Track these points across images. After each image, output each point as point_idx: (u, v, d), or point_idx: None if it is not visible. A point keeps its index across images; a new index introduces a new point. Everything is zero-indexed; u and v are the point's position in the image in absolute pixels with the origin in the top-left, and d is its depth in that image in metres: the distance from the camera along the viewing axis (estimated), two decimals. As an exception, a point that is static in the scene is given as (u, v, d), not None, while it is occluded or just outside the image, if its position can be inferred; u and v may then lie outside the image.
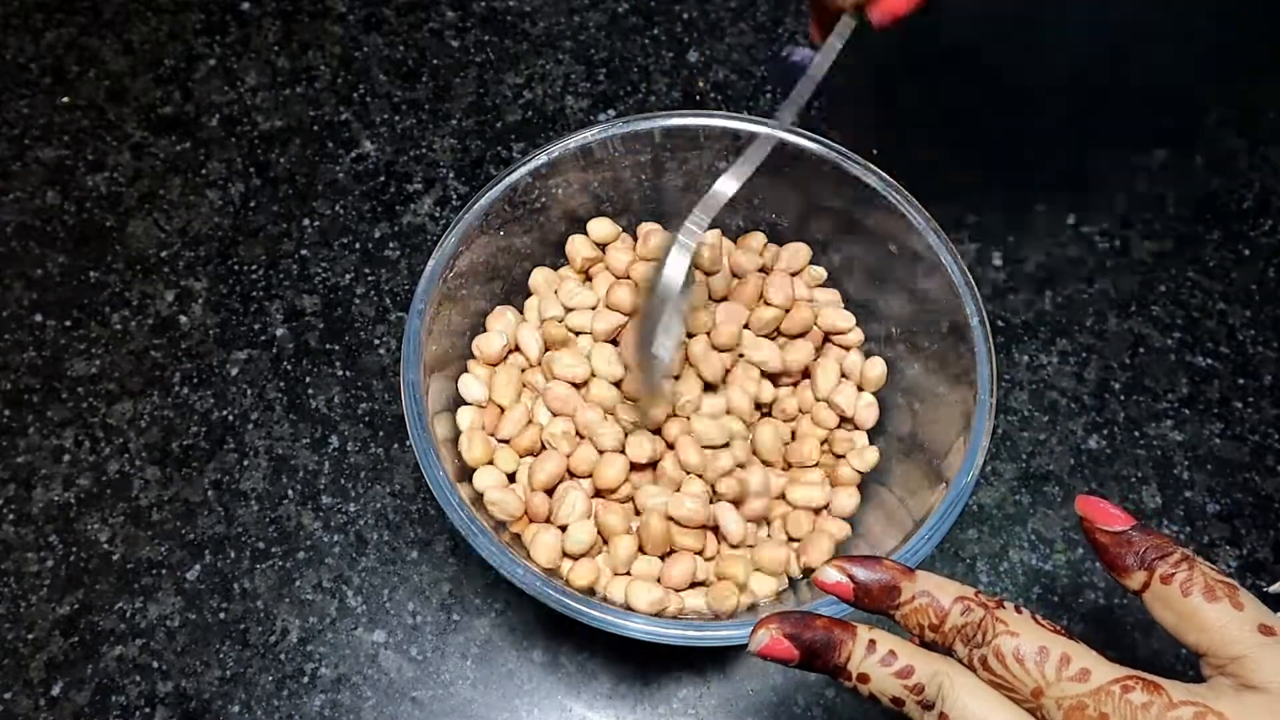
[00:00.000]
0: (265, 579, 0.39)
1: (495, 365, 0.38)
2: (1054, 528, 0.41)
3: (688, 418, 0.36)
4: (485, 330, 0.39)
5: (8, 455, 0.42)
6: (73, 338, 0.44)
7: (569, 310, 0.39)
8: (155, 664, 0.38)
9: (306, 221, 0.47)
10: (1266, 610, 0.22)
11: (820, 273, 0.40)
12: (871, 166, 0.37)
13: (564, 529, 0.34)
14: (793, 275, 0.40)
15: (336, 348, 0.44)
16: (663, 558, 0.35)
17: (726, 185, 0.33)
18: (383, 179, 0.48)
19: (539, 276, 0.40)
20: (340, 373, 0.44)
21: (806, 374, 0.39)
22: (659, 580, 0.34)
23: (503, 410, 0.37)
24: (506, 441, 0.36)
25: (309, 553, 0.40)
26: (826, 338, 0.39)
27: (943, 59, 0.51)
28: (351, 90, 0.51)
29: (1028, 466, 0.42)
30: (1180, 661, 0.37)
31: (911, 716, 0.22)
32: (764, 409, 0.39)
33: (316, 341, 0.44)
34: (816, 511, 0.37)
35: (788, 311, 0.38)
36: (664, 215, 0.42)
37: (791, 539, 0.36)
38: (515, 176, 0.37)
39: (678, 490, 0.35)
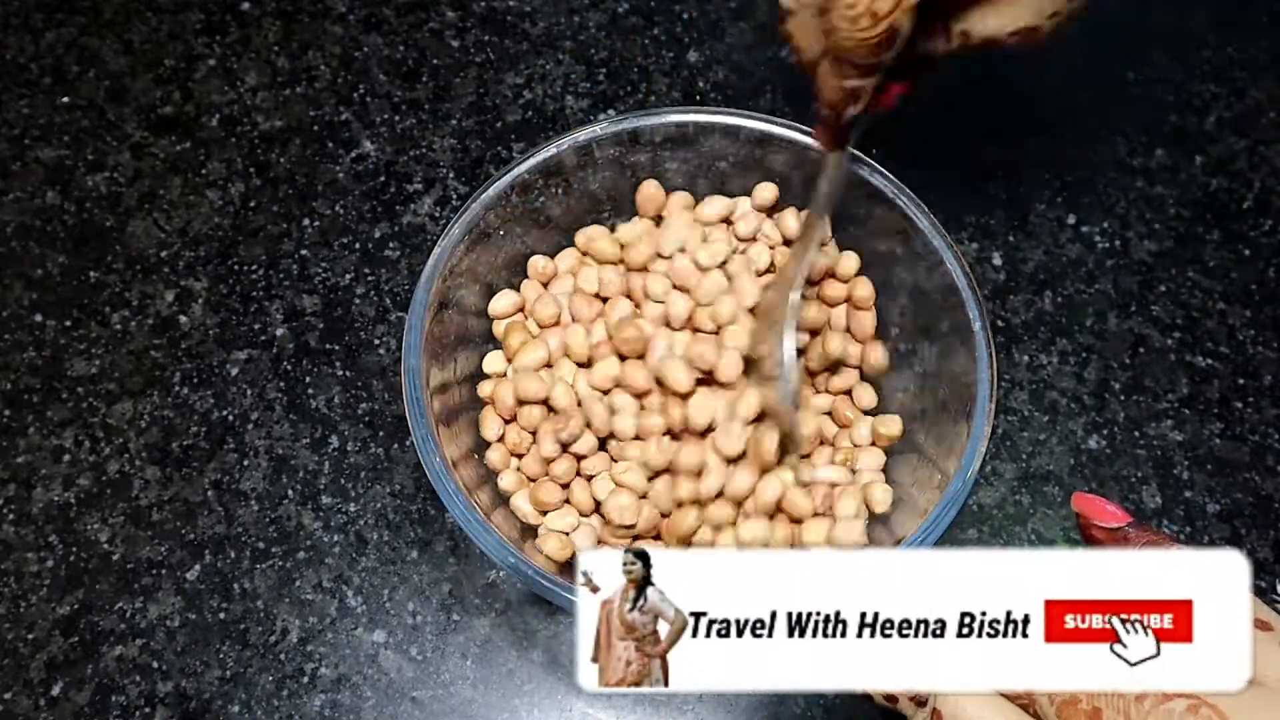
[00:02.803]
0: (265, 579, 0.39)
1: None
2: (1054, 528, 0.41)
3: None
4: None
5: (8, 455, 0.42)
6: (73, 338, 0.44)
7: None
8: (155, 664, 0.38)
9: (306, 221, 0.47)
10: (1263, 606, 0.22)
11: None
12: (876, 166, 0.37)
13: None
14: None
15: (336, 348, 0.44)
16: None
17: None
18: (383, 179, 0.48)
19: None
20: (340, 373, 0.44)
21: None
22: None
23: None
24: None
25: (309, 553, 0.40)
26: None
27: (942, 59, 0.51)
28: (351, 90, 0.51)
29: (1028, 466, 0.42)
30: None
31: (905, 714, 0.22)
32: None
33: (316, 341, 0.44)
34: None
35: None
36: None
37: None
38: (522, 168, 0.37)
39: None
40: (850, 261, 0.39)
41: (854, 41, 0.26)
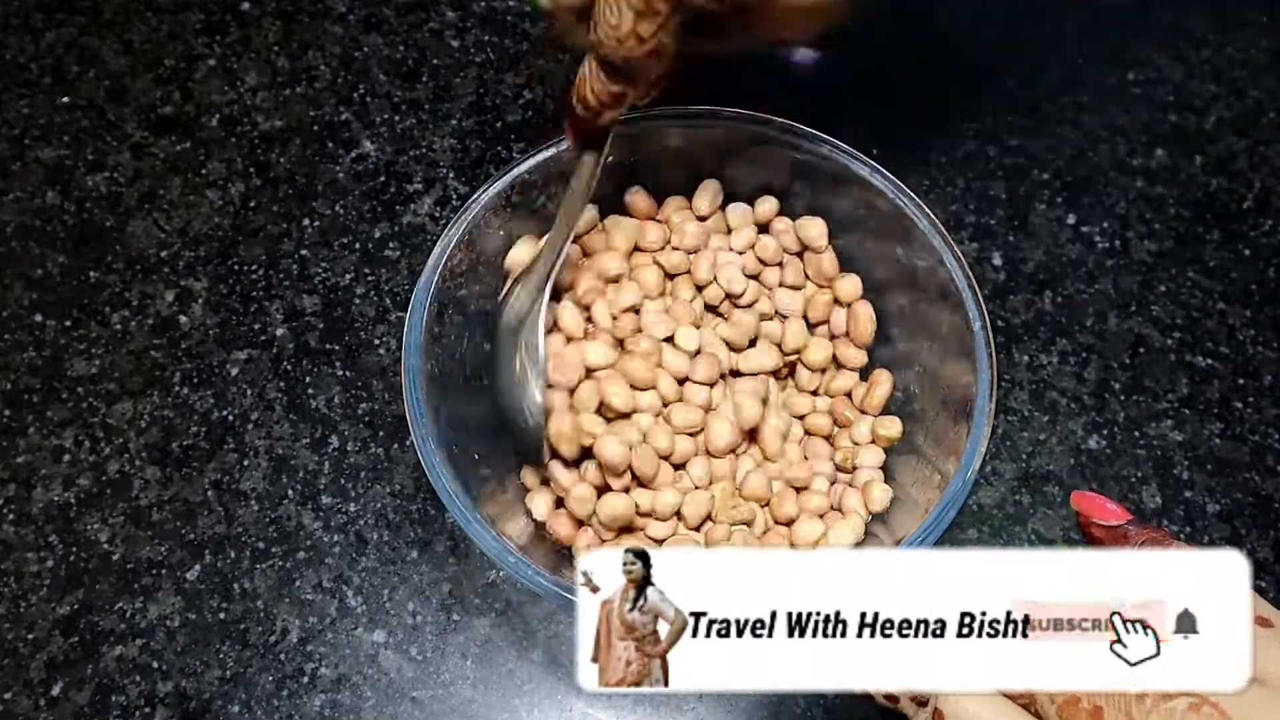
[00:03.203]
0: (265, 579, 0.39)
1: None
2: (1054, 528, 0.41)
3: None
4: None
5: (8, 455, 0.42)
6: (73, 338, 0.44)
7: None
8: (155, 664, 0.38)
9: (306, 221, 0.47)
10: (1263, 602, 0.22)
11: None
12: (876, 166, 0.37)
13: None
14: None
15: (336, 348, 0.44)
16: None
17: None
18: (383, 179, 0.48)
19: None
20: (340, 373, 0.44)
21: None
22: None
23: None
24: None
25: (309, 553, 0.40)
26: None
27: (941, 58, 0.51)
28: (351, 90, 0.51)
29: (1028, 466, 0.42)
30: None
31: (906, 714, 0.22)
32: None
33: (316, 341, 0.44)
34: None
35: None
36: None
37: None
38: (522, 168, 0.37)
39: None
40: (852, 284, 0.39)
41: (619, 57, 0.27)
